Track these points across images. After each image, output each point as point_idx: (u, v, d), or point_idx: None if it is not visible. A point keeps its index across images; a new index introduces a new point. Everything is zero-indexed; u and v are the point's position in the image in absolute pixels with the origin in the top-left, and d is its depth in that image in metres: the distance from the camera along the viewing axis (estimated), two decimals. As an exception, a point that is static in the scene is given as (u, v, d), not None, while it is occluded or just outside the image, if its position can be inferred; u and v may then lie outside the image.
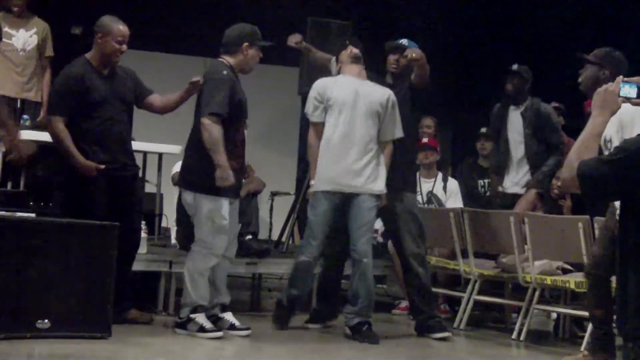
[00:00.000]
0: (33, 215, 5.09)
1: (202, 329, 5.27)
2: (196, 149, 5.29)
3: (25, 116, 6.29)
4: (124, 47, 5.33)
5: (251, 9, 9.88)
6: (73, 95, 5.27)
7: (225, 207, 5.29)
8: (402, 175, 5.88)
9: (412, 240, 5.85)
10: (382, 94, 5.73)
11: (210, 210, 5.27)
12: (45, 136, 5.86)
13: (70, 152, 5.25)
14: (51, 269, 4.79)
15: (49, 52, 6.87)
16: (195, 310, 5.30)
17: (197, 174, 5.29)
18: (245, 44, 5.40)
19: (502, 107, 6.91)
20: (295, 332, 5.85)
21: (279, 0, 9.41)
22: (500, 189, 6.88)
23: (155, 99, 5.60)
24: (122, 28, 5.33)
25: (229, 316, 5.49)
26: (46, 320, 4.74)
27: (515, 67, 6.86)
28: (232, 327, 5.44)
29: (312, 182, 5.77)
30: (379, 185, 5.66)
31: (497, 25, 10.12)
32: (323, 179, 5.66)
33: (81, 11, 9.44)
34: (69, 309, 4.83)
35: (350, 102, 5.65)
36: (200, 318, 5.29)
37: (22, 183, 5.87)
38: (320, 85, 5.79)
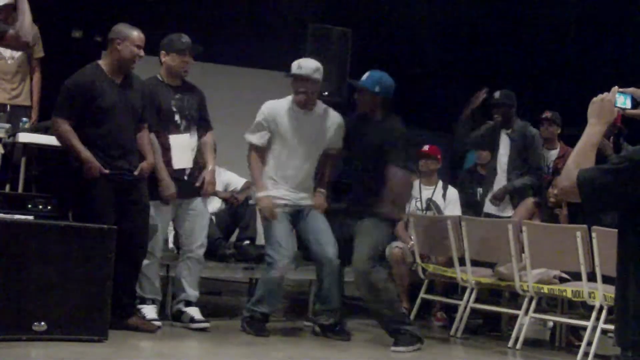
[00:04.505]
0: (31, 218, 5.09)
1: (142, 318, 5.60)
2: None
3: (24, 119, 6.26)
4: (142, 52, 5.40)
5: (252, 15, 9.92)
6: (80, 100, 5.27)
7: (152, 209, 5.67)
8: (361, 202, 5.81)
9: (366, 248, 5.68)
10: None
11: None
12: (44, 139, 5.85)
13: (76, 149, 5.24)
14: (49, 272, 4.78)
15: (38, 53, 6.75)
16: (142, 302, 5.69)
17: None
18: (162, 52, 5.80)
19: (493, 130, 7.03)
20: (292, 338, 5.86)
21: (280, 6, 9.43)
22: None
23: (143, 135, 5.57)
24: (139, 34, 5.41)
25: (191, 311, 5.79)
26: (43, 323, 4.73)
27: (497, 95, 6.96)
28: (192, 320, 5.74)
29: None
30: None
31: (496, 32, 10.15)
32: None
33: (81, 15, 9.49)
34: (66, 312, 4.82)
35: None
36: (145, 309, 5.66)
37: (20, 186, 5.85)
38: None
